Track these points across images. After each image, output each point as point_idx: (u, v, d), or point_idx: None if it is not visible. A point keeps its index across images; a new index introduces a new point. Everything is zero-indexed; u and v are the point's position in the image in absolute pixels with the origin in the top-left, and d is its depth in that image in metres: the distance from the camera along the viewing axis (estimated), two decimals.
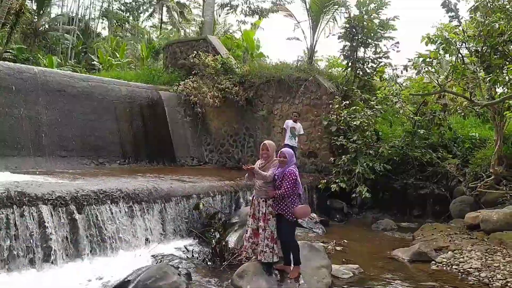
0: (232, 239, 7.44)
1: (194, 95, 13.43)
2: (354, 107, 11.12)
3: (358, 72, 12.59)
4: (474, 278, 6.32)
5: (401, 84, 13.09)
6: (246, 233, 6.12)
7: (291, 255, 5.69)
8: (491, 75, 8.74)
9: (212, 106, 13.35)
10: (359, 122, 10.73)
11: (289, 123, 11.14)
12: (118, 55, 26.71)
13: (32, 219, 5.73)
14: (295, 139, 11.04)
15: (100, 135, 11.35)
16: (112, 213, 6.78)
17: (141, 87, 13.37)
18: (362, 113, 10.90)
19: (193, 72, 14.14)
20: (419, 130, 11.01)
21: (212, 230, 7.81)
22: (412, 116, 11.48)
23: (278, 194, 5.57)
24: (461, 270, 6.63)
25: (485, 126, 11.68)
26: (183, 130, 13.97)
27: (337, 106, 11.44)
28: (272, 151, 5.92)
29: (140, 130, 12.56)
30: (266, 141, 5.95)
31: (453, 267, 6.81)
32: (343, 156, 10.96)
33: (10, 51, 23.25)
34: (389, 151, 10.97)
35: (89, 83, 11.54)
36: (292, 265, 5.69)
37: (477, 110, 10.93)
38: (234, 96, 13.20)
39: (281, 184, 5.61)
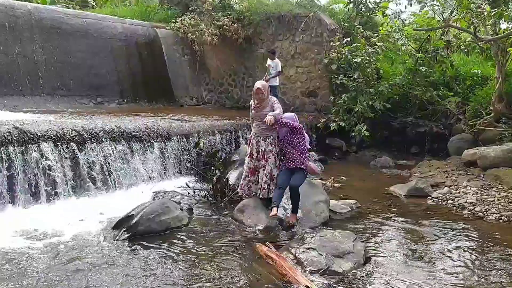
0: (232, 176, 7.54)
1: (191, 32, 13.07)
2: (355, 44, 10.88)
3: (360, 7, 12.18)
4: (469, 212, 6.50)
5: (404, 20, 12.73)
6: (243, 172, 6.25)
7: (294, 204, 5.76)
8: (496, 9, 8.48)
9: (210, 44, 13.04)
10: (360, 59, 10.53)
11: (268, 61, 10.85)
12: None
13: (34, 156, 5.78)
14: (272, 79, 10.72)
15: (98, 74, 11.17)
16: (112, 151, 6.83)
17: (137, 24, 12.97)
18: (364, 50, 10.68)
19: (190, 9, 13.67)
20: (420, 68, 10.84)
21: (212, 168, 7.92)
22: (414, 53, 11.26)
23: (295, 125, 5.74)
24: (456, 205, 6.81)
25: (487, 63, 11.48)
26: (181, 69, 13.74)
27: (338, 43, 11.20)
28: (266, 91, 5.93)
29: (138, 69, 12.34)
30: (258, 84, 5.92)
31: (449, 202, 6.99)
32: (343, 95, 10.88)
33: None
34: (390, 90, 10.87)
35: (84, 20, 11.19)
36: (291, 212, 5.80)
37: (481, 45, 10.68)
38: (233, 34, 12.87)
39: (293, 140, 5.74)
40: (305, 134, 5.96)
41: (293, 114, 6.13)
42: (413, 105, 11.27)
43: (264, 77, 10.57)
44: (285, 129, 5.82)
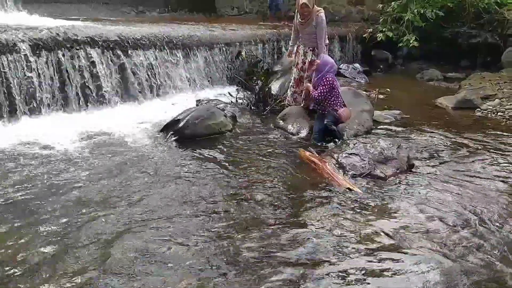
0: (275, 86, 7.51)
1: None
2: None
3: None
4: None
5: None
6: (290, 82, 6.22)
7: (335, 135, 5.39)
8: None
9: None
10: None
11: None
12: None
13: (82, 61, 5.92)
14: None
15: None
16: (157, 58, 6.89)
17: None
18: None
19: None
20: None
21: (255, 78, 7.89)
22: None
23: (314, 97, 5.35)
24: (507, 117, 6.58)
25: None
26: None
27: None
28: (312, 4, 5.66)
29: None
30: None
31: (498, 114, 6.75)
32: (392, 2, 10.24)
33: None
34: None
35: None
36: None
37: None
38: None
39: (316, 88, 5.40)
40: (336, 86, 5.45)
41: (329, 62, 5.48)
42: (468, 13, 10.50)
43: None
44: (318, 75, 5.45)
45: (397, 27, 10.15)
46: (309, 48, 5.97)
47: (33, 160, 4.40)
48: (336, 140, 5.25)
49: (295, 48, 6.19)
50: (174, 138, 5.16)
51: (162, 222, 3.32)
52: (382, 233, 3.29)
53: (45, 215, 3.35)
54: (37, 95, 5.47)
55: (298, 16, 5.93)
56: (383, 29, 10.25)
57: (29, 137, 4.95)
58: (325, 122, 5.29)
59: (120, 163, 4.46)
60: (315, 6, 5.80)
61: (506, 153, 5.13)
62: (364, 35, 10.70)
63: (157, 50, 6.94)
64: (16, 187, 3.80)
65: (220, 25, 9.36)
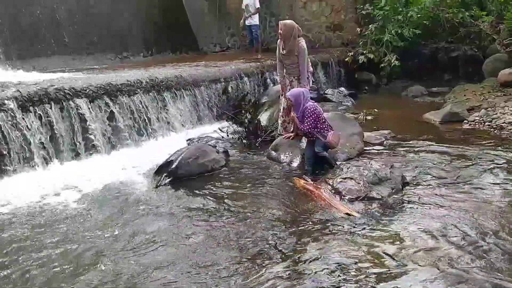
0: (264, 118, 7.58)
1: None
2: None
3: None
4: (508, 132, 6.37)
5: None
6: (279, 112, 6.30)
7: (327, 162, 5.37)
8: None
9: None
10: None
11: (244, 0, 10.51)
12: None
13: (70, 111, 5.94)
14: (251, 17, 10.42)
15: (121, 28, 11.18)
16: (145, 101, 6.94)
17: None
18: None
19: None
20: None
21: (243, 111, 7.96)
22: None
23: (304, 130, 5.37)
24: (494, 126, 6.67)
25: None
26: (202, 15, 13.55)
27: None
28: (286, 29, 5.86)
29: (160, 21, 12.26)
30: (279, 24, 5.94)
31: (486, 124, 6.85)
32: (370, 26, 10.52)
33: None
34: (419, 15, 10.43)
35: None
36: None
37: None
38: None
39: (303, 121, 5.37)
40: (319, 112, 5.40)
41: (299, 92, 5.47)
42: (444, 29, 10.79)
43: (243, 17, 10.36)
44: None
45: (377, 48, 10.40)
46: (294, 77, 6.12)
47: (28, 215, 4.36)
48: (330, 165, 5.27)
49: (285, 80, 6.28)
50: (168, 180, 5.15)
51: (164, 271, 3.28)
52: (384, 255, 3.27)
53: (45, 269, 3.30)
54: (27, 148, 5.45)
55: (281, 49, 6.06)
56: (364, 52, 10.48)
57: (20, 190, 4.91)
58: (316, 150, 5.30)
59: (116, 211, 4.42)
60: (295, 32, 5.92)
61: (500, 163, 5.17)
62: (346, 59, 10.91)
63: (144, 93, 7.00)
64: (13, 239, 3.75)
65: (204, 62, 9.50)
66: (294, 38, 5.87)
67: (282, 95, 6.35)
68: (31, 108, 5.57)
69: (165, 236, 3.80)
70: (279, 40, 6.03)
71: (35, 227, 4.08)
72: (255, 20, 10.51)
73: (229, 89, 8.45)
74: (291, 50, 5.91)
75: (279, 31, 5.92)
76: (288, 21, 6.03)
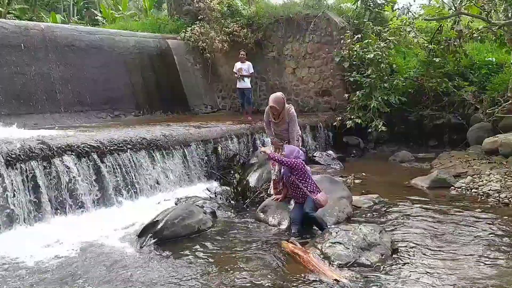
0: (252, 179, 7.58)
1: (202, 40, 13.22)
2: (366, 40, 10.85)
3: (368, 4, 12.18)
4: (494, 199, 6.42)
5: (414, 13, 12.66)
6: (272, 177, 6.33)
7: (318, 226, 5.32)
8: None
9: (221, 51, 13.16)
10: (372, 55, 10.48)
11: (237, 64, 10.87)
12: (121, 8, 26.15)
13: (57, 168, 5.89)
14: (244, 80, 10.79)
15: (113, 88, 11.33)
16: (133, 161, 6.92)
17: (148, 36, 13.18)
18: (375, 45, 10.63)
19: (199, 18, 13.80)
20: (434, 59, 10.73)
21: (232, 172, 7.96)
22: (426, 45, 11.16)
23: (288, 163, 5.45)
24: (481, 193, 6.73)
25: (502, 50, 11.31)
26: (194, 78, 13.89)
27: (348, 40, 11.17)
28: (281, 106, 5.96)
29: (152, 81, 12.50)
30: (272, 101, 5.90)
31: (473, 190, 6.91)
32: (357, 92, 10.84)
33: (13, 12, 22.90)
34: (404, 83, 10.83)
35: (96, 36, 11.40)
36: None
37: (495, 30, 10.49)
38: (243, 39, 12.92)
39: (292, 176, 5.47)
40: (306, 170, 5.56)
41: (295, 148, 5.71)
42: (429, 97, 11.16)
43: (237, 79, 10.67)
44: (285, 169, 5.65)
45: (364, 113, 10.64)
46: (284, 141, 6.18)
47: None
48: (320, 228, 5.21)
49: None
50: (153, 241, 5.01)
51: None
52: None
53: None
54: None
55: (271, 116, 6.15)
56: (352, 117, 10.72)
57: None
58: (306, 211, 5.24)
59: (95, 276, 4.25)
60: (285, 103, 6.07)
61: (488, 229, 5.17)
62: (334, 123, 11.13)
63: (134, 152, 6.99)
64: None
65: (194, 123, 9.61)
66: (284, 108, 6.01)
67: (272, 160, 6.28)
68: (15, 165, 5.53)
69: None
70: (268, 107, 6.10)
71: None
72: (247, 83, 10.79)
73: (219, 149, 8.50)
74: (283, 118, 6.04)
75: (271, 104, 5.90)
76: (278, 95, 6.05)
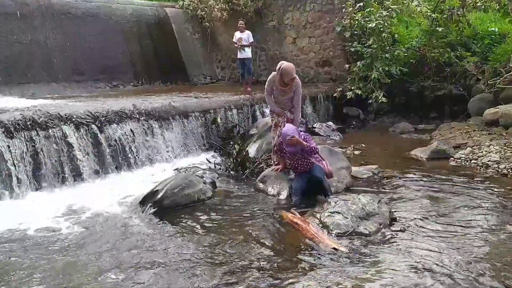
0: (252, 150, 7.57)
1: (201, 9, 13.01)
2: (368, 9, 10.63)
3: None
4: (493, 170, 6.43)
5: None
6: (272, 142, 6.30)
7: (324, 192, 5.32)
8: None
9: (220, 19, 12.95)
10: (374, 24, 10.28)
11: (237, 34, 10.60)
12: None
13: (56, 139, 5.88)
14: (244, 50, 10.59)
15: (111, 57, 11.21)
16: (132, 131, 6.90)
17: (145, 4, 12.95)
18: (378, 14, 10.43)
19: None
20: (437, 28, 10.54)
21: (231, 143, 7.95)
22: (429, 13, 10.95)
23: (312, 147, 5.36)
24: (480, 164, 6.73)
25: (505, 20, 11.11)
26: (193, 47, 13.71)
27: (350, 9, 10.95)
28: (292, 72, 5.73)
29: (150, 50, 12.36)
30: (290, 70, 5.70)
31: (472, 161, 6.90)
32: (358, 63, 10.70)
33: None
34: (406, 54, 10.67)
35: (92, 4, 11.19)
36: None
37: None
38: (242, 7, 12.69)
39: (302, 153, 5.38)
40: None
41: (294, 128, 5.48)
42: (431, 68, 11.02)
43: (237, 49, 10.46)
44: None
45: (365, 85, 10.54)
46: (286, 110, 6.14)
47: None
48: (325, 194, 5.23)
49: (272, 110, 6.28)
50: (153, 210, 5.05)
51: None
52: None
53: None
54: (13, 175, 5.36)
55: (278, 85, 6.03)
56: (352, 88, 10.62)
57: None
58: (318, 175, 5.25)
59: (98, 242, 4.31)
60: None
61: (485, 200, 5.19)
62: (334, 94, 11.04)
63: (133, 122, 6.96)
64: None
65: (194, 93, 9.53)
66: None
67: (273, 127, 6.29)
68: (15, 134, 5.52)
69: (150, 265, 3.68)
70: (272, 75, 6.00)
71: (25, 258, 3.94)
72: (248, 53, 10.60)
73: (218, 120, 8.46)
74: (291, 87, 5.95)
75: (293, 75, 5.73)
76: (290, 64, 5.85)
